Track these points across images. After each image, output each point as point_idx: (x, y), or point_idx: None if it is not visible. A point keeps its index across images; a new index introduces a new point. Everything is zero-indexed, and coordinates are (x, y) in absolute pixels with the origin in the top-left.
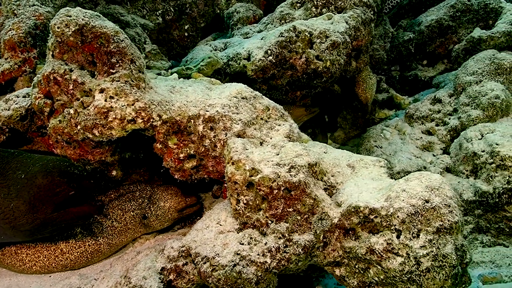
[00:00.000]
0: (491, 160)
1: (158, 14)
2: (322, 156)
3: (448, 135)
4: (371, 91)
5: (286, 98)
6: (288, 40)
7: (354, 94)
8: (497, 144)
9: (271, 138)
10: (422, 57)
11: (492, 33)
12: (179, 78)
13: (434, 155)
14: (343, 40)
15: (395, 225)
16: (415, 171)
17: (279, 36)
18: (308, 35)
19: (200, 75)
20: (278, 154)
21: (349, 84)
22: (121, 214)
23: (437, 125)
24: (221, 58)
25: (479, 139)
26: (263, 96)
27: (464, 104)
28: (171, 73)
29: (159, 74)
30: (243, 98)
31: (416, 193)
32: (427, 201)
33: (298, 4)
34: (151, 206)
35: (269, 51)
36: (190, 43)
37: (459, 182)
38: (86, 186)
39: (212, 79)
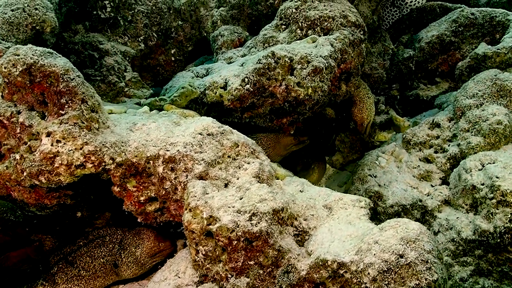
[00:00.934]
0: (491, 195)
1: (140, 40)
2: (295, 197)
3: (448, 164)
4: (368, 111)
5: (272, 126)
6: (266, 67)
7: (350, 116)
8: (497, 177)
9: (238, 179)
10: (424, 75)
11: (498, 49)
12: (151, 110)
13: (432, 186)
14: (326, 64)
15: (365, 283)
16: (410, 205)
17: (257, 63)
18: (288, 61)
19: (173, 107)
20: (241, 199)
21: (345, 106)
22: (90, 261)
23: (435, 152)
24: (198, 87)
25: (479, 169)
26: (233, 131)
27: (463, 130)
28: (143, 105)
29: (138, 103)
30: (209, 134)
31: (390, 246)
32: (401, 256)
33: (283, 26)
34: (122, 252)
35: (246, 79)
36: (177, 68)
37: (457, 217)
38: (21, 233)
39: (185, 110)
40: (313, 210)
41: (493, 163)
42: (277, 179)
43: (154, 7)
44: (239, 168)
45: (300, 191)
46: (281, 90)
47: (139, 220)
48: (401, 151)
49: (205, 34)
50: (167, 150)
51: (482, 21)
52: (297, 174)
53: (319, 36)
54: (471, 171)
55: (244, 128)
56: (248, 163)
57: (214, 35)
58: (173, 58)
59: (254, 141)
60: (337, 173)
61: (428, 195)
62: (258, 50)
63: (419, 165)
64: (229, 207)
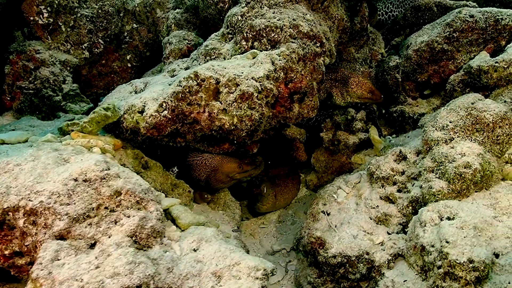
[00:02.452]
0: (439, 263)
1: (84, 47)
2: (175, 262)
3: (410, 207)
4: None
5: (213, 150)
6: (187, 90)
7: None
8: (447, 242)
9: (109, 237)
10: (414, 88)
11: (496, 62)
12: (64, 135)
13: (388, 233)
14: (260, 88)
15: None
16: (355, 257)
17: (177, 85)
18: (214, 83)
19: (80, 135)
20: (97, 268)
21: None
22: None
23: (399, 190)
24: (119, 109)
25: (435, 224)
26: (121, 175)
27: (427, 169)
28: (46, 133)
29: (71, 120)
30: (85, 180)
31: None
32: None
33: (229, 36)
34: None
35: (164, 105)
36: (135, 75)
37: (405, 281)
38: None
39: (94, 140)
40: (195, 279)
41: (452, 218)
42: (179, 228)
43: (100, 11)
44: (115, 224)
45: (193, 249)
46: (204, 117)
47: (12, 273)
48: (364, 184)
49: (161, 38)
50: (30, 200)
51: (485, 24)
52: (251, 199)
53: (267, 49)
54: (425, 225)
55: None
56: (128, 217)
57: (164, 42)
58: (129, 65)
59: (147, 187)
60: (310, 195)
61: (381, 245)
62: (199, 63)
63: (378, 205)
64: (76, 280)
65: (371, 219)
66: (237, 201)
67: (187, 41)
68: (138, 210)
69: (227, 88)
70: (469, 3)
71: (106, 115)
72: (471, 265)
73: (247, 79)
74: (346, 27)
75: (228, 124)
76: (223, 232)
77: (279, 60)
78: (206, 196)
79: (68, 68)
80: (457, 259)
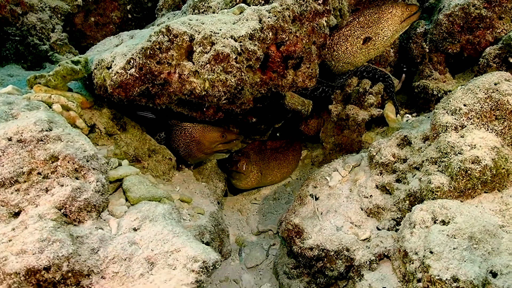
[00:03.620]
0: (419, 275)
1: None
2: (102, 243)
3: (407, 201)
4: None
5: (197, 116)
6: (157, 46)
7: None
8: (431, 253)
9: (36, 207)
10: (444, 60)
11: None
12: (31, 88)
13: (378, 229)
14: (240, 49)
15: None
16: (334, 252)
17: (147, 40)
18: (188, 40)
19: (44, 89)
20: (10, 241)
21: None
22: None
23: (397, 180)
24: (91, 63)
25: (425, 227)
26: (62, 138)
27: (430, 160)
28: (6, 86)
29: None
30: (19, 140)
31: None
32: None
33: None
34: None
35: (131, 61)
36: (135, 27)
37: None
38: None
39: (54, 96)
40: (123, 264)
41: (447, 222)
42: (128, 202)
43: None
44: (46, 192)
45: (133, 229)
46: (175, 79)
47: None
48: (363, 168)
49: None
50: None
51: None
52: (229, 175)
53: (260, 4)
54: (414, 226)
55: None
56: (62, 185)
57: None
58: (129, 16)
59: (92, 153)
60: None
61: (367, 241)
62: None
63: (372, 195)
64: None
65: (362, 209)
66: (223, 173)
67: None
68: (75, 180)
69: (201, 47)
70: None
71: (73, 69)
72: (454, 284)
73: (224, 38)
74: None
75: (199, 88)
76: (198, 207)
77: (268, 17)
78: (181, 167)
79: (59, 16)
80: (438, 275)
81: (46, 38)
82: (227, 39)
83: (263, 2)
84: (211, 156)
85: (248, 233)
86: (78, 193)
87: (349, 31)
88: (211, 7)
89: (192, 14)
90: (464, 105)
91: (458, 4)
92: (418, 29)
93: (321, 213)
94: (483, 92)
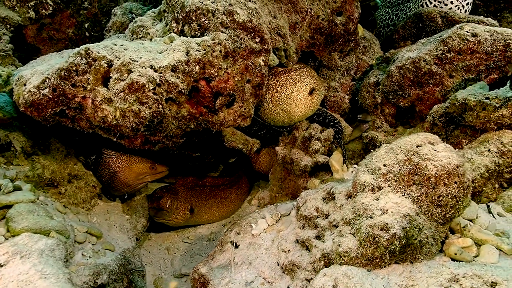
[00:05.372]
0: None
1: (30, 6)
2: None
3: (322, 261)
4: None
5: (125, 144)
6: (74, 68)
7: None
8: None
9: None
10: (396, 114)
11: (488, 98)
12: None
13: None
14: (159, 80)
15: None
16: None
17: (65, 61)
18: (106, 66)
19: None
20: None
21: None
22: None
23: (317, 237)
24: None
25: None
26: None
27: (345, 220)
28: None
29: None
30: None
31: None
32: None
33: (165, 14)
34: None
35: (46, 81)
36: None
37: None
38: None
39: None
40: None
41: None
42: (9, 232)
43: None
44: None
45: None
46: (89, 104)
47: None
48: (290, 219)
49: None
50: None
51: (491, 48)
52: (152, 211)
53: (195, 36)
54: None
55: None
56: None
57: (111, 13)
58: (87, 34)
59: None
60: None
61: None
62: (127, 41)
63: (290, 250)
64: None
65: (278, 265)
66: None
67: (133, 14)
68: None
69: (118, 74)
70: (487, 20)
71: None
72: None
73: (142, 67)
74: (321, 26)
75: (110, 117)
76: (108, 242)
77: (197, 50)
78: (110, 198)
79: (8, 26)
80: None
81: None
82: (145, 68)
83: (199, 34)
84: (141, 187)
85: (169, 274)
86: None
87: (299, 76)
88: (149, 34)
89: (130, 39)
90: (384, 165)
91: (410, 57)
92: (371, 78)
93: (237, 264)
94: (404, 154)
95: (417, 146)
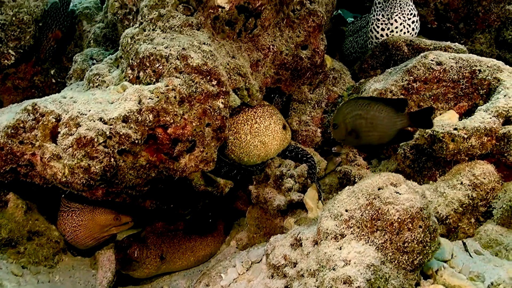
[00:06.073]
0: None
1: None
2: None
3: None
4: None
5: (88, 196)
6: (21, 125)
7: None
8: None
9: None
10: (366, 147)
11: (456, 129)
12: None
13: None
14: (110, 132)
15: None
16: None
17: (12, 118)
18: (54, 121)
19: None
20: None
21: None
22: None
23: (286, 287)
24: None
25: None
26: None
27: (309, 271)
28: None
29: None
30: None
31: None
32: None
33: (121, 61)
34: None
35: None
36: (58, 91)
37: None
38: None
39: None
40: None
41: None
42: None
43: (14, 18)
44: None
45: None
46: (38, 161)
47: None
48: (260, 267)
49: None
50: None
51: (457, 76)
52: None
53: (151, 82)
54: None
55: None
56: None
57: (73, 60)
58: (53, 80)
59: None
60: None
61: None
62: (84, 90)
63: None
64: None
65: None
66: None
67: (94, 60)
68: None
69: (66, 128)
70: (455, 46)
71: None
72: None
73: (91, 120)
74: (286, 61)
75: (60, 174)
76: None
77: (150, 98)
78: (73, 252)
79: None
80: None
81: None
82: (94, 121)
83: (154, 80)
84: (105, 239)
85: None
86: None
87: (273, 110)
88: (105, 81)
89: (87, 87)
90: (346, 211)
91: (376, 89)
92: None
93: None
94: (365, 198)
95: (379, 189)
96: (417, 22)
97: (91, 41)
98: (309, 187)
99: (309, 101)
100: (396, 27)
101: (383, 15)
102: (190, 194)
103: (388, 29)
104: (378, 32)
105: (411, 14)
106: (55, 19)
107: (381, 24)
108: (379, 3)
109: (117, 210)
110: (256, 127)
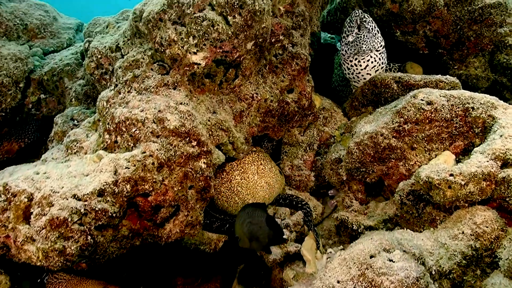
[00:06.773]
0: None
1: None
2: None
3: None
4: None
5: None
6: None
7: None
8: None
9: None
10: (363, 189)
11: (452, 175)
12: None
13: None
14: (84, 210)
15: None
16: None
17: None
18: (27, 200)
19: None
20: None
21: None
22: None
23: None
24: None
25: None
26: None
27: None
28: None
29: None
30: None
31: None
32: None
33: (99, 123)
34: None
35: None
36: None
37: None
38: None
39: None
40: None
41: None
42: None
43: None
44: None
45: None
46: (12, 244)
47: None
48: None
49: None
50: None
51: (450, 114)
52: None
53: (129, 147)
54: None
55: None
56: None
57: (53, 122)
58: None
59: None
60: None
61: None
62: (62, 158)
63: None
64: None
65: None
66: None
67: (75, 121)
68: None
69: (39, 208)
70: (446, 79)
71: None
72: None
73: (63, 198)
74: (272, 108)
75: (34, 258)
76: None
77: (126, 167)
78: None
79: None
80: None
81: None
82: (66, 199)
83: (132, 145)
84: None
85: None
86: None
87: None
88: (83, 148)
89: (66, 154)
90: (338, 282)
91: (367, 132)
92: (333, 154)
93: None
94: (357, 268)
95: (371, 257)
96: (382, 48)
97: (73, 99)
98: (306, 234)
99: (301, 143)
100: (362, 60)
101: (346, 51)
102: (182, 253)
103: (355, 65)
104: (347, 64)
105: (376, 44)
106: (18, 133)
107: (347, 59)
108: (345, 31)
109: (109, 276)
110: (262, 168)
